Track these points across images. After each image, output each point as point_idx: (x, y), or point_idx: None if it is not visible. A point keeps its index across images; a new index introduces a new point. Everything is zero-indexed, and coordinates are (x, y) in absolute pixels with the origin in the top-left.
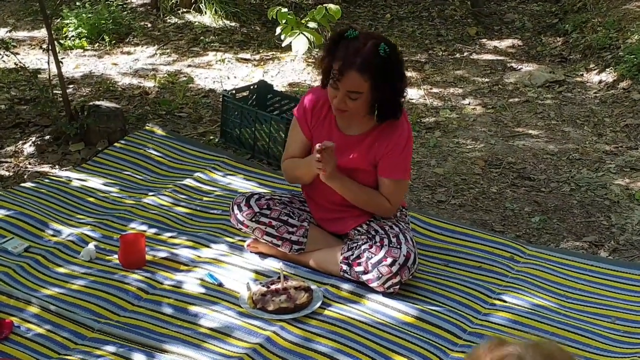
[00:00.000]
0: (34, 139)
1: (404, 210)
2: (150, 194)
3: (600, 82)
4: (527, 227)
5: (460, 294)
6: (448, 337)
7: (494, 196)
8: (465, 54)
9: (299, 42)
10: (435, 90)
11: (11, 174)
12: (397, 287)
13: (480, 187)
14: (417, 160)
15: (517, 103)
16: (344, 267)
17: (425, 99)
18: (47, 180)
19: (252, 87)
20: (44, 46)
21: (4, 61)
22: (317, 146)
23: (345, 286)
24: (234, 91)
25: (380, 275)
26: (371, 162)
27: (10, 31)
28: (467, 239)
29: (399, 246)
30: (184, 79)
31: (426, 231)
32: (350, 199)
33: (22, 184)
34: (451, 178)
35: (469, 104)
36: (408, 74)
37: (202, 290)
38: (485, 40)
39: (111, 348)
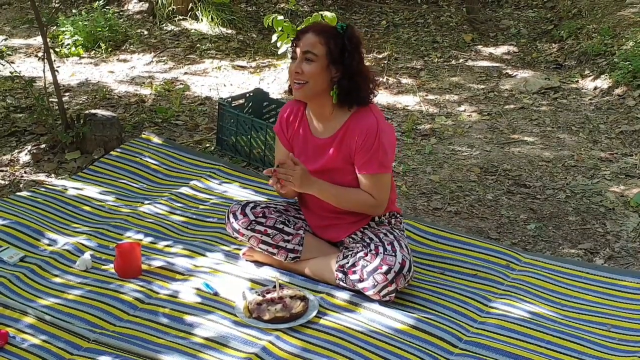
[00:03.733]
0: (29, 147)
1: (399, 217)
2: (146, 202)
3: (595, 88)
4: (523, 235)
5: (456, 302)
6: (444, 345)
7: (489, 203)
8: (461, 60)
9: None
10: (430, 97)
11: (7, 182)
12: (393, 295)
13: (476, 195)
14: (413, 168)
15: (512, 110)
16: (340, 275)
17: (420, 106)
18: (42, 189)
19: (248, 94)
20: (40, 54)
21: None
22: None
23: (341, 295)
24: (230, 99)
25: (376, 283)
26: (346, 159)
27: (6, 39)
28: (463, 246)
29: (394, 254)
30: (180, 86)
31: (422, 239)
32: (333, 202)
33: (18, 193)
34: (447, 185)
35: (464, 110)
36: (403, 80)
37: (198, 299)
38: (481, 46)
39: (107, 358)
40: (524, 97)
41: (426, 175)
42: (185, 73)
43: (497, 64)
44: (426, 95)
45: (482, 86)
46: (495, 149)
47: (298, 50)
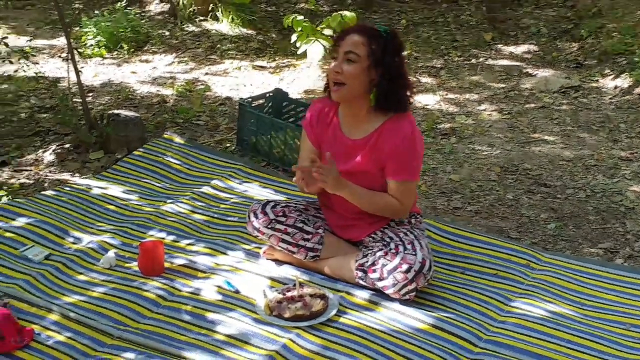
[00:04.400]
0: (54, 147)
1: (419, 217)
2: (169, 201)
3: (615, 87)
4: (543, 234)
5: (476, 302)
6: (464, 344)
7: (510, 203)
8: (481, 59)
9: (315, 50)
10: (450, 96)
11: (32, 182)
12: (413, 294)
13: (496, 194)
14: (433, 167)
15: (533, 109)
16: (359, 274)
17: (440, 105)
18: (67, 188)
19: (267, 95)
20: (64, 55)
21: (24, 70)
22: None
23: (361, 293)
24: (250, 99)
25: (396, 282)
26: (376, 163)
27: (30, 40)
28: (483, 246)
29: (414, 253)
30: (201, 87)
31: (442, 238)
32: (360, 205)
33: (43, 192)
34: (467, 184)
35: (484, 109)
36: (423, 79)
37: (219, 297)
38: (501, 45)
39: (130, 355)
40: (544, 96)
41: (446, 175)
42: (206, 73)
43: (517, 63)
44: (446, 94)
45: (503, 85)
46: (516, 148)
47: (340, 50)
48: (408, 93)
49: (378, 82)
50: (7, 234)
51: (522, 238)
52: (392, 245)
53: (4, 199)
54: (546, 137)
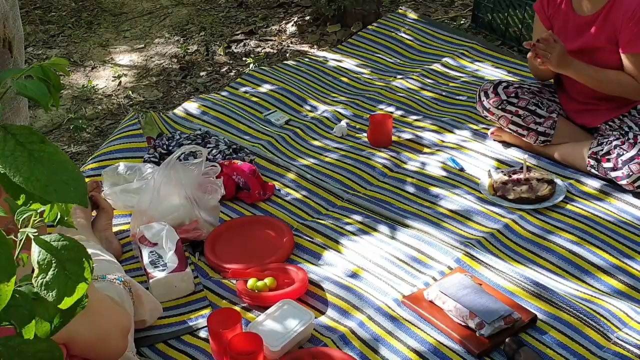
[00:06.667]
0: (295, 19)
1: None
2: (399, 77)
3: None
4: None
5: None
6: None
7: None
8: None
9: None
10: None
11: (275, 51)
12: None
13: None
14: None
15: None
16: (592, 162)
17: None
18: (306, 59)
19: None
20: None
21: None
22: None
23: (591, 182)
24: None
25: (631, 173)
26: (609, 37)
27: None
28: None
29: None
30: None
31: None
32: (590, 84)
33: (285, 62)
34: None
35: None
36: None
37: (444, 173)
38: None
39: (358, 217)
40: None
41: None
42: None
43: None
44: None
45: None
46: None
47: None
48: None
49: None
50: (253, 99)
51: None
52: (631, 135)
53: (251, 66)
54: None
